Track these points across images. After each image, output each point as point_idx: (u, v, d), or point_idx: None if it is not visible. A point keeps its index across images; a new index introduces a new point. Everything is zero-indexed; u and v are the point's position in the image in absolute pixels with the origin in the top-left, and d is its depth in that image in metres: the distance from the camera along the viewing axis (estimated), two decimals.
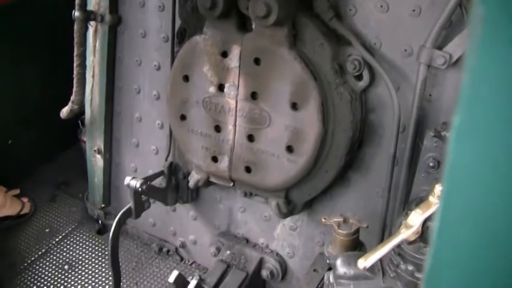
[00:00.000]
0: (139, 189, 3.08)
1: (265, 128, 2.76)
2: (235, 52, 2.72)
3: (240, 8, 2.67)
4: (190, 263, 3.85)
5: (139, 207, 3.23)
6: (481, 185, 0.73)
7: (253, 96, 2.75)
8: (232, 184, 3.03)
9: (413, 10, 2.46)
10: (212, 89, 2.84)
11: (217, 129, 2.92)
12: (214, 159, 2.98)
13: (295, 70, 2.59)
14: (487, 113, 0.67)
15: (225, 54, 2.76)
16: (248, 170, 2.89)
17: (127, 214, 3.22)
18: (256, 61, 2.68)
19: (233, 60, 2.74)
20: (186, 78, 2.90)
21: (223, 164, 2.95)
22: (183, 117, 2.99)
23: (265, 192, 3.00)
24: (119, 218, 3.18)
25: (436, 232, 0.80)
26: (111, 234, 3.16)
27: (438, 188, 1.86)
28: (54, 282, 3.68)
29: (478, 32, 0.63)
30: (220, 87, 2.83)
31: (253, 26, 2.71)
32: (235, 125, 2.86)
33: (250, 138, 2.83)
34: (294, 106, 2.64)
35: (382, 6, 2.54)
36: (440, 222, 0.79)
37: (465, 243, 0.78)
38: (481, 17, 0.63)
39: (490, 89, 0.66)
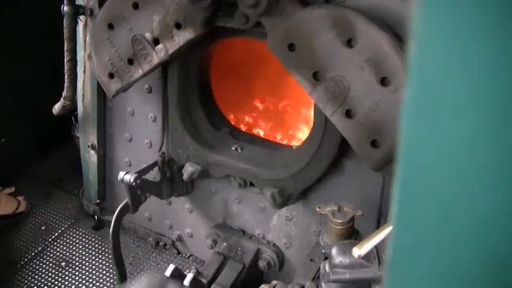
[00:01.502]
0: (134, 183, 3.06)
1: (349, 90, 2.45)
2: (186, 35, 2.81)
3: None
4: (187, 256, 3.84)
5: (136, 202, 3.22)
6: (437, 163, 0.71)
7: (315, 76, 2.50)
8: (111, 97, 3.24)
9: None
10: (148, 36, 2.90)
11: (130, 62, 3.03)
12: (111, 75, 3.13)
13: (325, 15, 2.41)
14: (440, 84, 0.65)
15: (178, 26, 2.80)
16: (374, 143, 2.48)
17: (125, 209, 3.20)
18: (291, 47, 2.52)
19: (179, 39, 2.83)
20: (135, 6, 2.91)
21: (115, 84, 3.12)
22: (110, 26, 3.03)
23: None
24: (117, 214, 3.17)
25: (395, 214, 0.78)
26: (111, 232, 3.14)
27: None
28: (51, 279, 3.67)
29: None
30: (155, 41, 2.90)
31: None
32: (145, 74, 3.03)
33: (349, 113, 2.49)
34: (349, 43, 2.40)
35: None
36: (398, 205, 0.78)
37: (425, 224, 0.77)
38: None
39: (440, 54, 0.63)
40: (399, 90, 2.33)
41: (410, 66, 0.65)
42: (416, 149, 0.71)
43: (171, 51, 2.87)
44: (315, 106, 2.82)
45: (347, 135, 2.51)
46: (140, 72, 3.00)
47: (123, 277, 3.27)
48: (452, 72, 0.63)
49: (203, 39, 2.93)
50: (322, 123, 2.77)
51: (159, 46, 2.87)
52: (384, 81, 2.35)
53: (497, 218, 0.70)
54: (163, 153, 3.32)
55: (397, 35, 2.39)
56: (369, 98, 2.40)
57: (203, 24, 2.75)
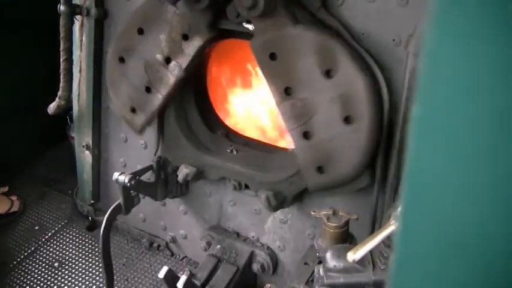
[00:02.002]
0: (128, 184, 3.05)
1: (313, 116, 2.58)
2: (194, 43, 2.78)
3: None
4: (181, 257, 3.83)
5: (129, 203, 3.20)
6: (443, 180, 0.71)
7: (287, 91, 2.61)
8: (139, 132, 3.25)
9: None
10: (159, 57, 2.90)
11: (148, 90, 3.04)
12: (133, 110, 3.13)
13: (312, 39, 2.49)
14: (450, 99, 0.64)
15: (185, 37, 2.79)
16: (320, 169, 2.69)
17: (117, 210, 3.19)
18: (272, 56, 2.60)
19: (189, 48, 2.80)
20: (140, 31, 2.93)
21: (139, 118, 3.15)
22: (121, 60, 3.05)
23: (346, 184, 2.76)
24: (109, 215, 3.15)
25: (400, 230, 0.78)
26: (101, 232, 3.13)
27: None
28: (44, 280, 3.65)
29: (434, 11, 0.60)
30: (167, 60, 2.89)
31: (252, 29, 2.67)
32: (165, 98, 3.00)
33: (306, 135, 2.64)
34: (328, 73, 2.50)
35: None
36: (403, 224, 0.77)
37: (428, 243, 0.76)
38: None
39: (450, 73, 0.63)
40: (358, 132, 2.50)
41: (421, 84, 0.64)
42: (423, 166, 0.71)
43: (184, 65, 2.85)
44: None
45: (298, 153, 2.72)
46: (160, 97, 2.98)
47: (110, 278, 3.25)
48: (461, 91, 0.63)
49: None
50: None
51: (172, 64, 2.86)
52: (347, 119, 2.52)
53: (501, 234, 0.70)
54: (159, 156, 3.31)
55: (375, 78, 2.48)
56: (329, 129, 2.58)
57: (208, 28, 2.74)
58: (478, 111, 0.63)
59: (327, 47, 2.47)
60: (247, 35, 2.77)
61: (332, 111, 2.53)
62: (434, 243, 0.76)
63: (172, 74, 2.89)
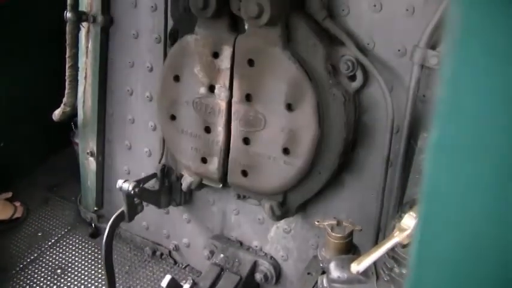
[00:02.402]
0: (132, 192, 3.04)
1: (260, 130, 2.73)
2: (226, 53, 2.70)
3: (232, 9, 2.65)
4: (183, 266, 3.82)
5: (133, 211, 3.20)
6: (461, 202, 0.70)
7: (248, 98, 2.71)
8: (221, 186, 3.01)
9: (407, 10, 2.43)
10: (203, 90, 2.82)
11: (207, 130, 2.89)
12: (204, 160, 2.95)
13: (289, 70, 2.56)
14: (468, 126, 0.64)
15: (216, 55, 2.74)
16: (245, 173, 2.86)
17: (120, 218, 3.18)
18: (250, 62, 2.65)
19: (224, 62, 2.72)
20: (176, 79, 2.88)
21: (213, 165, 2.92)
22: (173, 117, 2.98)
23: (261, 195, 2.96)
24: (112, 222, 3.15)
25: (415, 254, 0.77)
26: (104, 239, 3.12)
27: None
28: (46, 286, 3.64)
29: (455, 35, 0.59)
30: (211, 88, 2.81)
31: (246, 27, 2.69)
32: (225, 127, 2.83)
33: (246, 141, 2.79)
34: (289, 107, 2.61)
35: (375, 6, 2.51)
36: (419, 245, 0.76)
37: (444, 264, 0.75)
38: (457, 19, 0.58)
39: (470, 99, 0.62)
40: (292, 165, 2.71)
41: (439, 108, 0.64)
42: (440, 191, 0.70)
43: (228, 82, 2.77)
44: (316, 119, 2.82)
45: (232, 153, 2.86)
46: (221, 130, 2.86)
47: (112, 285, 3.24)
48: (480, 117, 0.62)
49: None
50: (322, 136, 2.77)
51: (216, 90, 2.80)
52: (286, 150, 2.70)
53: None
54: (163, 164, 3.30)
55: None
56: (267, 148, 2.74)
57: (230, 32, 2.71)
58: (496, 134, 0.62)
59: (300, 85, 2.56)
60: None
61: (277, 137, 2.70)
62: (450, 260, 0.75)
63: (222, 98, 2.79)
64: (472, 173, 0.67)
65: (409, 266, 0.80)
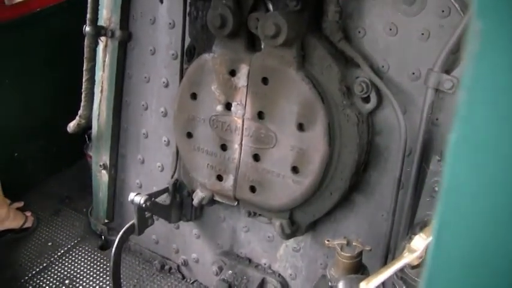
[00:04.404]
0: (143, 205, 3.07)
1: (271, 148, 2.76)
2: (243, 71, 2.74)
3: (250, 27, 2.69)
4: (191, 281, 3.82)
5: (143, 224, 3.22)
6: (479, 206, 0.72)
7: (260, 115, 2.75)
8: (236, 203, 3.02)
9: (422, 34, 2.46)
10: (219, 108, 2.85)
11: (224, 147, 2.92)
12: (219, 177, 2.97)
13: (302, 91, 2.59)
14: (485, 129, 0.66)
15: (233, 73, 2.77)
16: (253, 189, 2.88)
17: (130, 230, 3.20)
18: (264, 81, 2.69)
19: (241, 80, 2.75)
20: (193, 96, 2.92)
21: (228, 182, 2.94)
22: (189, 135, 3.00)
23: (269, 212, 2.98)
24: (122, 234, 3.17)
25: (432, 253, 0.78)
26: (113, 250, 3.14)
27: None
28: None
29: (475, 47, 0.63)
30: (228, 106, 2.84)
31: (262, 46, 2.72)
32: (241, 144, 2.85)
33: (256, 157, 2.82)
34: (301, 127, 2.64)
35: (391, 30, 2.54)
36: (436, 244, 0.78)
37: (460, 263, 0.77)
38: (478, 32, 0.62)
39: (486, 106, 0.65)
40: (301, 184, 2.73)
41: (458, 114, 0.67)
42: (457, 192, 0.72)
43: (244, 99, 2.81)
44: (328, 140, 2.85)
45: (242, 168, 2.89)
46: (237, 147, 2.89)
47: None
48: (496, 123, 0.65)
49: None
50: (334, 157, 2.78)
51: (233, 107, 2.83)
52: (295, 169, 2.72)
53: None
54: (176, 179, 3.33)
55: None
56: (277, 166, 2.78)
57: (247, 51, 2.75)
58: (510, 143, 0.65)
59: (312, 106, 2.60)
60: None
61: (287, 156, 2.73)
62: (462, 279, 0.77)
63: (237, 115, 2.82)
64: (490, 177, 0.69)
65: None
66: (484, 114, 0.66)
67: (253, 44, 2.79)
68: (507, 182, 0.68)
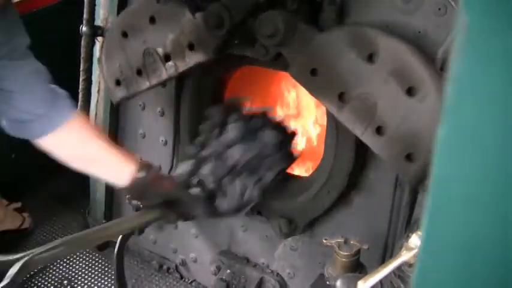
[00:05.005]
0: (141, 205, 3.06)
1: (377, 106, 2.44)
2: (198, 56, 2.84)
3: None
4: (190, 281, 3.82)
5: None
6: (468, 202, 0.72)
7: (341, 98, 2.50)
8: None
9: (419, 32, 2.45)
10: (160, 51, 2.95)
11: (139, 73, 3.09)
12: None
13: (341, 35, 2.47)
14: (474, 122, 0.67)
15: (191, 47, 2.84)
16: (410, 158, 2.44)
17: (130, 232, 3.19)
18: (313, 73, 2.54)
19: (191, 58, 2.86)
20: (152, 20, 2.96)
21: None
22: (124, 35, 3.10)
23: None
24: (123, 236, 3.16)
25: (422, 248, 0.79)
26: (115, 253, 3.13)
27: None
28: None
29: (462, 40, 0.63)
30: (167, 57, 2.95)
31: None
32: None
33: (379, 130, 2.46)
34: (371, 58, 2.41)
35: (387, 27, 2.53)
36: (426, 239, 0.78)
37: (452, 258, 0.77)
38: (465, 25, 0.62)
39: (475, 98, 0.65)
40: (427, 97, 2.30)
41: (447, 106, 0.67)
42: (447, 184, 0.72)
43: (180, 69, 2.92)
44: (326, 138, 2.85)
45: (381, 153, 2.49)
46: (147, 84, 3.05)
47: None
48: (486, 114, 0.66)
49: (217, 66, 2.97)
50: (331, 155, 2.79)
51: (170, 63, 2.93)
52: (410, 91, 2.33)
53: None
54: None
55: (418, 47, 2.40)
56: (397, 110, 2.37)
57: (215, 50, 2.77)
58: (501, 134, 0.65)
59: (360, 35, 2.41)
60: (261, 62, 2.83)
61: (392, 91, 2.37)
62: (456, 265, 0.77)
63: (167, 72, 2.96)
64: (476, 167, 0.69)
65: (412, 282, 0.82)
66: (472, 106, 0.66)
67: (223, 47, 2.83)
68: (495, 175, 0.69)
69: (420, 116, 2.33)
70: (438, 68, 2.35)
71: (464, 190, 0.71)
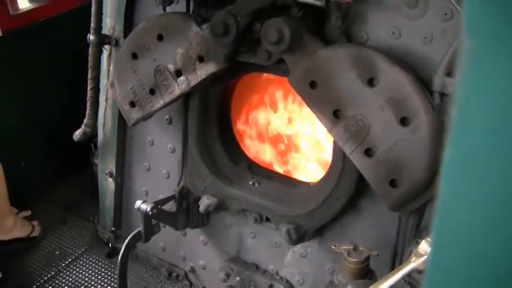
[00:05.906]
0: (150, 213, 3.07)
1: (370, 129, 2.49)
2: (209, 68, 2.84)
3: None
4: None
5: (149, 231, 3.22)
6: (475, 221, 0.72)
7: (336, 115, 2.55)
8: None
9: (425, 37, 2.45)
10: (171, 67, 2.95)
11: (152, 92, 3.09)
12: None
13: (345, 54, 2.49)
14: (479, 145, 0.67)
15: (201, 59, 2.84)
16: (393, 183, 2.51)
17: (137, 238, 3.21)
18: (312, 85, 2.57)
19: (203, 70, 2.86)
20: (160, 38, 2.96)
21: None
22: (134, 56, 3.09)
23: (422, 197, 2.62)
24: (128, 242, 3.17)
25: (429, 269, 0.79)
26: (119, 258, 3.15)
27: None
28: None
29: (467, 65, 0.63)
30: (178, 73, 2.94)
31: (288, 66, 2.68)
32: None
33: (368, 152, 2.52)
34: (371, 82, 2.44)
35: (394, 33, 2.53)
36: (432, 262, 0.78)
37: (459, 269, 0.77)
38: (469, 50, 0.62)
39: (479, 122, 0.66)
40: (418, 130, 2.35)
41: (452, 129, 0.67)
42: (453, 206, 0.73)
43: (193, 83, 2.91)
44: (334, 145, 2.84)
45: (366, 174, 2.54)
46: (161, 102, 3.04)
47: None
48: (490, 139, 0.66)
49: (224, 74, 2.97)
50: (339, 162, 2.78)
51: (181, 78, 2.92)
52: (403, 121, 2.38)
53: None
54: (182, 186, 3.33)
55: (418, 75, 2.42)
56: (388, 137, 2.43)
57: (225, 58, 2.78)
58: (504, 158, 0.65)
59: (363, 57, 2.44)
60: (272, 70, 2.83)
61: (386, 118, 2.43)
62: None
63: (179, 87, 2.96)
64: (480, 189, 0.69)
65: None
66: (477, 131, 0.66)
67: (232, 54, 2.84)
68: (500, 193, 0.69)
69: (409, 146, 2.39)
70: (435, 101, 2.40)
71: (474, 198, 0.71)
